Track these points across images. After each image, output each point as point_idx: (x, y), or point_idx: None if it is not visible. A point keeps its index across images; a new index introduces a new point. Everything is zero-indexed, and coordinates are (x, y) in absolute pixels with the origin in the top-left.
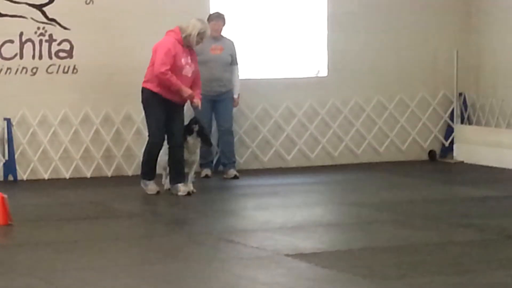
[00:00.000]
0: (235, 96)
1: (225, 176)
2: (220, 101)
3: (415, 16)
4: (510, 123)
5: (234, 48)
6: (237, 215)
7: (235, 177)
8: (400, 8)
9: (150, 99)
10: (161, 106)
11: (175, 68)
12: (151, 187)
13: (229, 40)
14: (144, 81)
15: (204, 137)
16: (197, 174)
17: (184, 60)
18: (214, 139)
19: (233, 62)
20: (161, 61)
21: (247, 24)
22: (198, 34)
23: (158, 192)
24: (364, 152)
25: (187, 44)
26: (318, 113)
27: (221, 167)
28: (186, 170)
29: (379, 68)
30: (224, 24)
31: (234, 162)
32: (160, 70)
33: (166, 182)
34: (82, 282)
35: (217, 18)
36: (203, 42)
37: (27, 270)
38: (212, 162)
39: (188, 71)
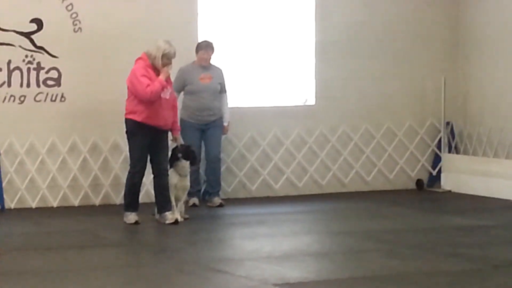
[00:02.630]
0: (225, 124)
1: (209, 204)
2: (209, 129)
3: (402, 45)
4: (498, 152)
5: (223, 76)
6: (224, 244)
7: (220, 205)
8: (388, 37)
9: (134, 129)
10: (145, 136)
11: None
12: (130, 217)
13: (218, 68)
14: (127, 113)
15: (192, 157)
16: (185, 203)
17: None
18: (201, 168)
19: (222, 90)
20: (143, 86)
21: (235, 52)
22: (163, 55)
23: (136, 222)
24: (351, 181)
25: (156, 67)
26: (306, 142)
27: (207, 196)
28: (177, 196)
29: (366, 97)
30: (213, 52)
31: (219, 190)
32: (145, 92)
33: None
34: None
35: (206, 47)
36: (191, 72)
37: None
38: (199, 191)
39: (166, 93)
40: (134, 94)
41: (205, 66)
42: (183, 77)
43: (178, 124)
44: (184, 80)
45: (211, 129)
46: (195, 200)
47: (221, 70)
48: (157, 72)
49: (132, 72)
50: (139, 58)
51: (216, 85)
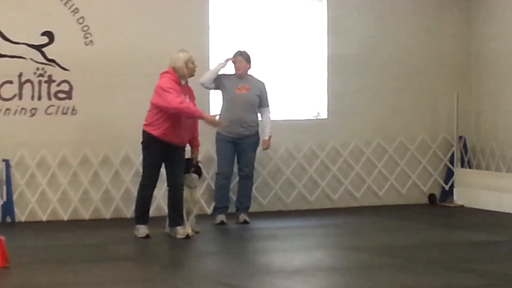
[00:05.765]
0: (265, 138)
1: (236, 221)
2: (242, 144)
3: (414, 60)
4: (511, 167)
5: (264, 89)
6: (236, 258)
7: (245, 222)
8: (400, 52)
9: (149, 142)
10: (158, 150)
11: None
12: (141, 230)
13: (259, 81)
14: (145, 124)
15: (199, 172)
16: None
17: (184, 98)
18: (234, 182)
19: (262, 104)
20: (173, 96)
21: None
22: (186, 62)
23: (147, 236)
24: (363, 195)
25: (183, 81)
26: (317, 156)
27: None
28: (188, 209)
29: (379, 111)
30: (247, 62)
31: (248, 207)
32: (176, 101)
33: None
34: None
35: (236, 55)
36: (230, 80)
37: None
38: (227, 207)
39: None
40: (161, 106)
41: (241, 76)
42: (221, 79)
43: (198, 140)
44: (221, 82)
45: (244, 146)
46: (222, 217)
47: (263, 84)
48: (182, 86)
49: (158, 86)
50: (165, 72)
51: (252, 97)
